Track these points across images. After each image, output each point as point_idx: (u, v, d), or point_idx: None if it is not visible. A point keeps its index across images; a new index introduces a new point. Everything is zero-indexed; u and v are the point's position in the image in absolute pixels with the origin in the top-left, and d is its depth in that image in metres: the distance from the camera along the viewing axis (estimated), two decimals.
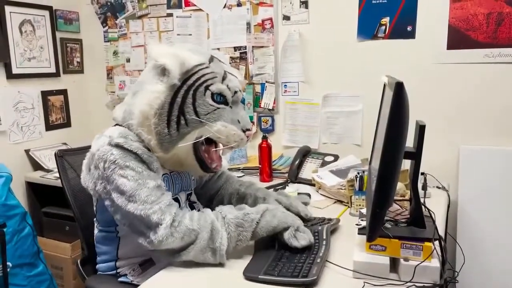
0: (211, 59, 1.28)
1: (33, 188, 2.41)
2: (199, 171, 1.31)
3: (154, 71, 1.23)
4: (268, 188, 1.84)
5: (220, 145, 1.28)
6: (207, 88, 1.22)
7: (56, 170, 1.55)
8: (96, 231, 1.38)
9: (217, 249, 1.12)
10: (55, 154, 1.52)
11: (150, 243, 1.12)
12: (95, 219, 1.37)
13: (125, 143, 1.18)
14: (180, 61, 1.20)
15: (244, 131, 1.27)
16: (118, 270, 1.33)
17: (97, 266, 1.39)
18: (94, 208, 1.35)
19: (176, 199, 1.33)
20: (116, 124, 1.30)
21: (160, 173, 1.24)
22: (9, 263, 1.88)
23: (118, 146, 1.17)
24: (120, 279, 1.31)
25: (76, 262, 1.51)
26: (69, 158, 1.54)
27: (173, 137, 1.21)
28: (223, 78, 1.26)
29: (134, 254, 1.31)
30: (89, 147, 1.27)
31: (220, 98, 1.24)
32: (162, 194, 1.17)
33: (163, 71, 1.20)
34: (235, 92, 1.28)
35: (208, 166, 1.29)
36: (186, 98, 1.20)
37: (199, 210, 1.39)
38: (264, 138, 2.00)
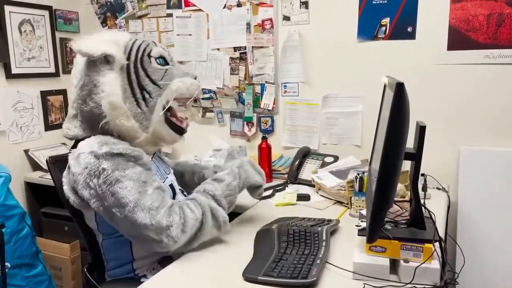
0: (133, 35, 1.38)
1: (32, 188, 2.40)
2: (177, 137, 1.37)
3: (93, 65, 1.24)
4: (267, 188, 1.84)
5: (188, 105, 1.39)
6: (149, 55, 1.29)
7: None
8: (100, 239, 1.33)
9: (221, 224, 1.23)
10: (46, 160, 1.45)
11: (166, 246, 1.14)
12: (94, 228, 1.32)
13: (112, 149, 1.16)
14: (115, 43, 1.25)
15: (194, 78, 1.36)
16: (136, 272, 1.29)
17: (109, 272, 1.34)
18: (94, 224, 1.30)
19: (172, 187, 1.36)
20: (77, 141, 1.27)
21: (150, 165, 1.25)
22: (7, 264, 1.88)
23: (106, 155, 1.15)
24: (142, 279, 1.26)
25: (84, 269, 1.43)
26: (61, 165, 1.41)
27: (146, 113, 1.26)
28: (155, 43, 1.34)
29: (151, 250, 1.25)
30: None
31: (162, 60, 1.31)
32: (162, 197, 1.18)
33: (106, 59, 1.22)
34: (168, 52, 1.36)
35: (181, 128, 1.36)
36: (138, 72, 1.26)
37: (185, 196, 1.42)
38: (264, 139, 1.99)
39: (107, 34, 1.30)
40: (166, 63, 1.32)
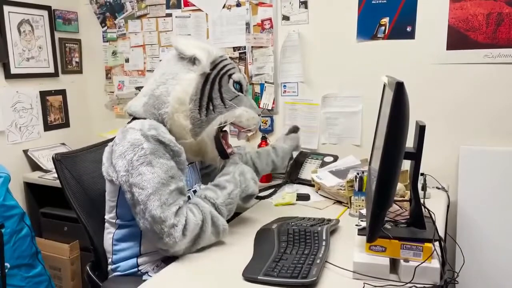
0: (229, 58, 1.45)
1: (31, 188, 2.40)
2: (215, 157, 1.42)
3: (182, 61, 1.34)
4: (267, 188, 1.84)
5: (242, 134, 1.49)
6: (230, 76, 1.38)
7: (55, 170, 1.47)
8: (113, 229, 1.34)
9: (220, 232, 1.25)
10: (52, 158, 1.44)
11: (166, 244, 1.16)
12: (110, 215, 1.34)
13: (158, 134, 1.23)
14: (208, 52, 1.34)
15: (258, 115, 1.44)
16: (140, 268, 1.30)
17: (113, 266, 1.34)
18: (115, 202, 1.32)
19: (195, 192, 1.40)
20: (134, 118, 1.35)
21: (186, 166, 1.31)
22: (7, 264, 1.87)
23: (150, 137, 1.22)
24: (144, 277, 1.28)
25: (86, 267, 1.44)
26: (67, 162, 1.44)
27: (203, 122, 1.32)
28: (239, 71, 1.42)
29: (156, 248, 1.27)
30: (85, 148, 1.26)
31: (239, 87, 1.40)
32: (179, 197, 1.22)
33: (194, 61, 1.33)
34: (247, 83, 1.45)
35: (225, 151, 1.41)
36: (214, 85, 1.34)
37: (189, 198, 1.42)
38: (264, 139, 2.00)
39: (205, 43, 1.41)
40: (241, 91, 1.41)
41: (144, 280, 1.24)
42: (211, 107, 1.33)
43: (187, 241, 1.18)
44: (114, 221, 1.34)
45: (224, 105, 1.34)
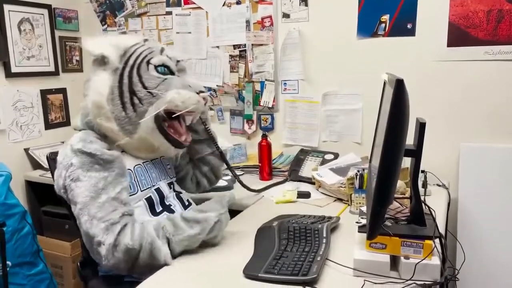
0: (145, 40, 1.35)
1: (32, 187, 2.40)
2: (171, 149, 1.34)
3: (95, 64, 1.29)
4: (268, 187, 1.84)
5: (187, 118, 1.34)
6: (148, 62, 1.27)
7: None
8: None
9: (161, 263, 1.14)
10: (46, 156, 1.48)
11: (97, 260, 1.17)
12: None
13: (84, 146, 1.20)
14: (116, 45, 1.27)
15: (198, 93, 1.29)
16: None
17: (99, 267, 1.36)
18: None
19: (158, 190, 1.35)
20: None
21: (125, 171, 1.25)
22: (8, 262, 1.88)
23: (78, 151, 1.20)
24: (126, 278, 1.28)
25: (76, 263, 1.48)
26: None
27: (132, 119, 1.25)
28: (162, 51, 1.32)
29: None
30: None
31: (164, 69, 1.29)
32: (113, 210, 1.16)
33: (103, 60, 1.26)
34: (178, 61, 1.33)
35: (177, 141, 1.32)
36: (131, 77, 1.25)
37: (188, 201, 1.43)
38: (264, 137, 1.99)
39: (115, 37, 1.35)
40: (170, 73, 1.30)
41: (126, 282, 1.27)
42: (136, 101, 1.24)
43: (121, 261, 1.13)
44: None
45: (151, 94, 1.24)
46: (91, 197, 1.16)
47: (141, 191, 1.31)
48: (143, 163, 1.34)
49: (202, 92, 1.32)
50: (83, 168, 1.18)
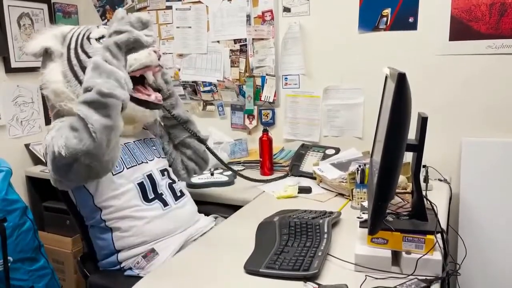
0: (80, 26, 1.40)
1: (33, 182, 2.40)
2: (147, 113, 1.37)
3: (43, 60, 1.35)
4: (269, 181, 1.84)
5: (148, 76, 1.35)
6: (88, 38, 1.33)
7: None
8: (88, 227, 1.38)
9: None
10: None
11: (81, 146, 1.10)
12: (83, 216, 1.38)
13: (56, 123, 1.26)
14: (53, 35, 1.32)
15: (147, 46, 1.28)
16: (122, 265, 1.31)
17: (99, 263, 1.38)
18: (77, 207, 1.36)
19: (150, 177, 1.37)
20: None
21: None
22: (10, 258, 1.88)
23: (52, 129, 1.24)
24: (126, 273, 1.30)
25: (77, 258, 1.49)
26: None
27: None
28: (97, 27, 1.37)
29: (132, 242, 1.30)
30: None
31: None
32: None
33: (47, 53, 1.32)
34: (115, 31, 1.29)
35: (148, 102, 1.34)
36: (79, 56, 1.30)
37: (180, 191, 1.46)
38: (265, 131, 1.99)
39: (48, 30, 1.36)
40: None
41: (127, 276, 1.28)
42: None
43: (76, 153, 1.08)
44: (85, 220, 1.38)
45: None
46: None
47: (127, 168, 1.33)
48: (125, 144, 1.37)
49: (151, 45, 1.31)
50: (55, 130, 1.22)
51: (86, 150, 1.07)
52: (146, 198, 1.34)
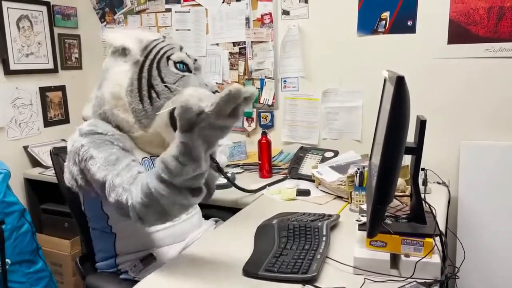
0: (164, 36, 1.36)
1: (32, 184, 2.40)
2: None
3: (115, 55, 1.29)
4: (269, 184, 1.84)
5: None
6: (168, 58, 1.28)
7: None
8: (90, 229, 1.38)
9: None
10: (50, 151, 1.50)
11: (136, 221, 1.08)
12: (87, 218, 1.38)
13: (95, 127, 1.21)
14: (138, 39, 1.27)
15: (213, 93, 1.28)
16: (119, 267, 1.32)
17: (96, 264, 1.38)
18: (83, 207, 1.35)
19: None
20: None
21: (135, 154, 1.25)
22: (8, 260, 1.88)
23: (87, 133, 1.20)
24: (121, 276, 1.30)
25: (75, 260, 1.50)
26: (64, 156, 1.48)
27: (148, 112, 1.24)
28: (181, 48, 1.33)
29: (133, 248, 1.30)
30: None
31: (183, 66, 1.29)
32: (130, 175, 1.12)
33: (124, 52, 1.26)
34: (195, 59, 1.34)
35: None
36: (151, 71, 1.25)
37: None
38: (264, 134, 1.99)
39: (137, 31, 1.33)
40: (188, 71, 1.30)
41: (123, 279, 1.27)
42: (154, 95, 1.23)
43: (146, 216, 1.06)
44: (89, 222, 1.38)
45: (169, 89, 1.24)
46: (107, 169, 1.13)
47: None
48: (150, 157, 1.34)
49: (217, 91, 1.31)
50: (95, 146, 1.17)
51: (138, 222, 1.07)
52: None
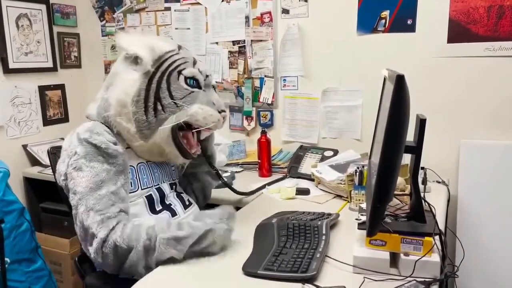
0: (180, 47, 1.33)
1: (31, 183, 2.40)
2: (179, 158, 1.33)
3: (127, 61, 1.27)
4: (268, 184, 1.84)
5: (203, 133, 1.34)
6: (180, 72, 1.26)
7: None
8: None
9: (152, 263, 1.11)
10: (48, 151, 1.49)
11: (87, 252, 1.15)
12: None
13: (90, 137, 1.20)
14: (151, 49, 1.25)
15: (219, 112, 1.30)
16: None
17: (96, 264, 1.37)
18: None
19: (159, 189, 1.34)
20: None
21: (127, 168, 1.25)
22: (7, 259, 1.87)
23: (83, 141, 1.19)
24: (121, 275, 1.29)
25: (74, 259, 1.49)
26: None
27: (151, 124, 1.24)
28: (194, 63, 1.31)
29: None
30: None
31: (193, 82, 1.28)
32: (111, 205, 1.15)
33: (136, 60, 1.24)
34: (207, 75, 1.33)
35: (187, 152, 1.31)
36: (160, 83, 1.24)
37: (188, 201, 1.43)
38: (263, 133, 1.99)
39: (153, 39, 1.32)
40: (198, 87, 1.29)
41: (121, 279, 1.25)
42: (159, 108, 1.23)
43: (107, 258, 1.11)
44: None
45: (175, 104, 1.24)
46: (90, 188, 1.15)
47: (142, 189, 1.30)
48: (147, 162, 1.34)
49: (224, 111, 1.33)
50: (87, 158, 1.18)
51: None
52: (153, 210, 1.32)
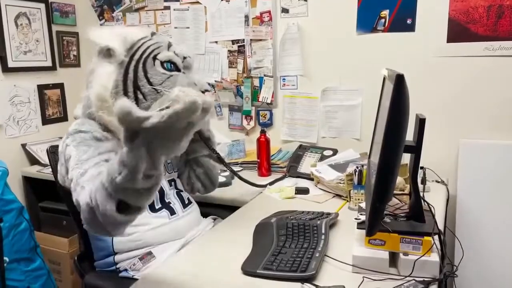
0: (153, 33, 1.31)
1: (30, 182, 2.39)
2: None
3: (100, 55, 1.25)
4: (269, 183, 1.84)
5: None
6: (154, 57, 1.23)
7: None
8: None
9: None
10: (47, 150, 1.49)
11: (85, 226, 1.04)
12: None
13: (78, 127, 1.21)
14: (122, 38, 1.23)
15: (203, 92, 1.24)
16: (118, 266, 1.31)
17: (95, 263, 1.38)
18: None
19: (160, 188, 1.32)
20: None
21: (113, 148, 1.21)
22: (6, 258, 1.87)
23: (72, 132, 1.20)
24: (120, 274, 1.30)
25: (74, 258, 1.50)
26: None
27: None
28: (169, 46, 1.28)
29: (131, 247, 1.30)
30: None
31: (171, 66, 1.25)
32: (91, 173, 1.07)
33: (109, 52, 1.22)
34: (184, 57, 1.29)
35: None
36: (137, 72, 1.21)
37: (188, 199, 1.43)
38: (263, 132, 1.98)
39: (123, 29, 1.29)
40: (176, 70, 1.26)
41: (122, 277, 1.26)
42: (140, 96, 1.20)
43: (89, 222, 1.00)
44: None
45: (155, 90, 1.20)
46: (77, 167, 1.10)
47: None
48: None
49: (207, 91, 1.29)
50: (74, 144, 1.17)
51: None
52: (152, 208, 1.32)
